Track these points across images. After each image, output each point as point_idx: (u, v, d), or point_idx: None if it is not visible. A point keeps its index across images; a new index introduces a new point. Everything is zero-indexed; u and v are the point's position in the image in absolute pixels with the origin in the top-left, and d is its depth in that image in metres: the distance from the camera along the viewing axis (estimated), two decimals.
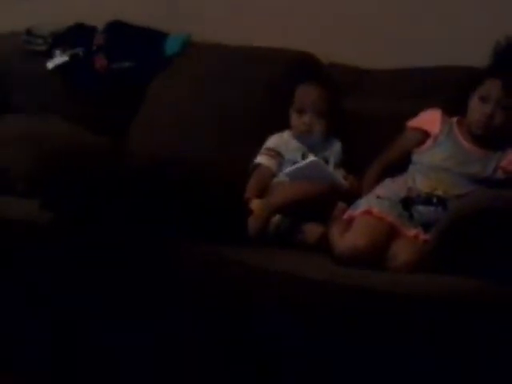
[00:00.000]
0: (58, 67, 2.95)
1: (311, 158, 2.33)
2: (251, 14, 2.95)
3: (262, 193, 2.36)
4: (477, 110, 2.32)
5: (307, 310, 1.89)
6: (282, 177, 2.40)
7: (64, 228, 2.12)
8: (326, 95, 2.47)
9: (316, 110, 2.45)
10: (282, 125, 2.52)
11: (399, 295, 1.83)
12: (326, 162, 2.40)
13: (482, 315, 1.80)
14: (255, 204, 2.23)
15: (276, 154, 2.46)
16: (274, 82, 2.66)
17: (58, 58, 2.93)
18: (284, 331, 1.91)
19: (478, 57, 2.37)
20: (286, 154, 2.47)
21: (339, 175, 2.38)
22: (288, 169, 2.33)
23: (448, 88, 2.47)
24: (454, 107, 2.42)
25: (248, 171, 2.47)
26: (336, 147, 2.50)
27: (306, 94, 2.48)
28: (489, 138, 2.34)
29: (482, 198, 2.09)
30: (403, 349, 1.82)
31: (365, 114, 2.53)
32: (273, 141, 2.50)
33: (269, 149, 2.48)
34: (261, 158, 2.48)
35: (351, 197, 2.33)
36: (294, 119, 2.48)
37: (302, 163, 2.32)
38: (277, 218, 2.25)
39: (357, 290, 1.86)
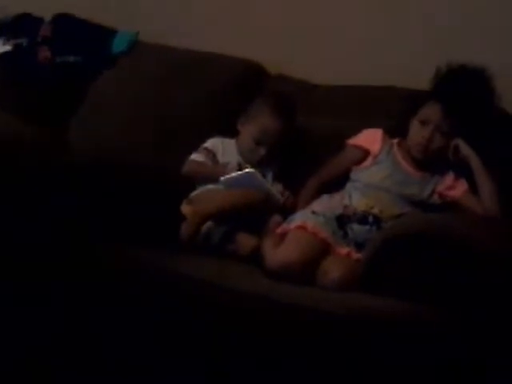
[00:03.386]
0: (0, 56, 2.88)
1: (249, 169, 2.31)
2: (202, 18, 2.92)
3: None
4: (416, 133, 2.33)
5: (229, 319, 1.87)
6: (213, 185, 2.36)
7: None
8: (286, 128, 2.42)
9: (272, 144, 2.41)
10: (223, 132, 2.49)
11: (321, 312, 1.82)
12: (264, 175, 2.37)
13: (405, 337, 1.80)
14: (187, 210, 2.20)
15: (212, 155, 2.42)
16: (217, 89, 2.64)
17: (1, 47, 2.86)
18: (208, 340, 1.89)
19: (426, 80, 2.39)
20: (221, 159, 2.43)
21: (276, 190, 2.36)
22: (223, 177, 2.30)
23: (392, 109, 2.47)
24: (397, 128, 2.42)
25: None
26: (275, 161, 2.47)
27: (270, 127, 2.40)
28: (428, 162, 2.35)
29: (415, 222, 2.10)
30: (322, 365, 1.81)
31: (307, 130, 2.51)
32: (212, 142, 2.46)
33: (205, 148, 2.44)
34: (195, 156, 2.43)
35: (286, 212, 2.31)
36: (251, 147, 2.42)
37: (239, 173, 2.29)
38: (208, 225, 2.22)
39: (282, 304, 1.85)
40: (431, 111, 2.31)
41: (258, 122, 2.41)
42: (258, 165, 2.39)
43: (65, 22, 2.96)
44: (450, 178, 2.35)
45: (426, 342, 1.80)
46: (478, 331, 1.82)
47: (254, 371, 1.86)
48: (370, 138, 2.41)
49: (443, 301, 1.86)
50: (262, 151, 2.41)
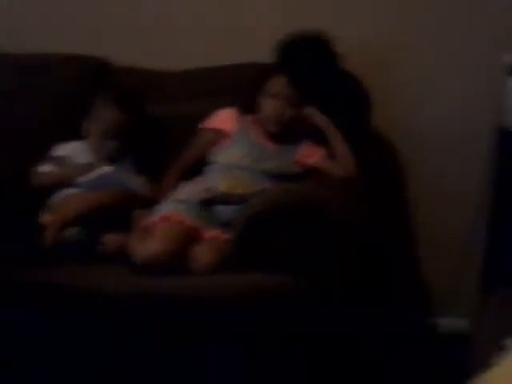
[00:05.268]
0: None
1: (104, 167, 2.28)
2: (47, 18, 2.84)
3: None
4: (267, 107, 2.35)
5: (105, 322, 1.87)
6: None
7: None
8: (130, 118, 2.40)
9: (119, 136, 2.39)
10: (71, 133, 2.42)
11: (197, 299, 1.84)
12: (121, 170, 2.34)
13: (274, 309, 1.83)
14: (46, 219, 2.16)
15: (60, 161, 2.37)
16: (61, 90, 2.56)
17: None
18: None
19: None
20: (77, 161, 2.37)
21: (138, 183, 2.34)
22: (80, 180, 2.26)
23: (240, 86, 2.48)
24: (249, 105, 2.43)
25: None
26: (132, 154, 2.43)
27: (111, 119, 2.38)
28: (282, 134, 2.38)
29: (274, 196, 2.12)
30: (204, 350, 1.82)
31: (159, 118, 2.49)
32: (60, 148, 2.41)
33: (51, 157, 2.39)
34: (41, 167, 2.37)
35: (152, 204, 2.29)
36: (100, 142, 2.38)
37: (95, 173, 2.26)
38: (73, 230, 2.17)
39: (158, 297, 1.86)
40: (278, 83, 2.34)
41: (100, 117, 2.39)
42: (112, 160, 2.36)
43: None
44: (306, 146, 2.39)
45: (293, 313, 1.83)
46: (334, 299, 1.87)
47: (131, 371, 1.85)
48: (224, 119, 2.42)
49: (304, 270, 1.90)
50: (110, 144, 2.38)
